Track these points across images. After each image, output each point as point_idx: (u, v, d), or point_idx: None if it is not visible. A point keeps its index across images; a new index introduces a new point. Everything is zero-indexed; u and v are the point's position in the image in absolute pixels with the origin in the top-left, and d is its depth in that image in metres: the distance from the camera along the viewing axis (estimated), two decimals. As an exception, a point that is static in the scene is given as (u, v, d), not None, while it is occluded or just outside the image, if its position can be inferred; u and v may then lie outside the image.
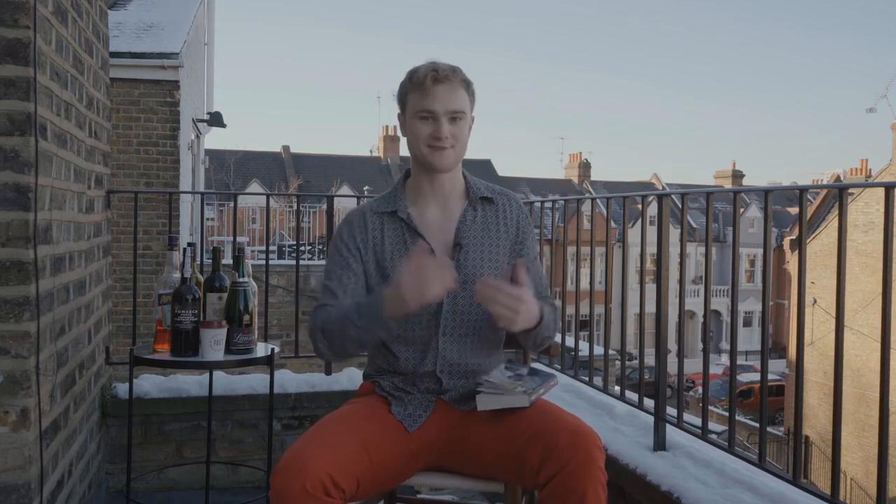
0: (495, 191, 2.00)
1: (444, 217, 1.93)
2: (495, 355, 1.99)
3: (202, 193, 3.94)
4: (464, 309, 1.89)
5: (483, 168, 35.22)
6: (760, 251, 2.72)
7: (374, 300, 1.76)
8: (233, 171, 27.22)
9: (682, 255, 2.49)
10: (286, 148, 34.95)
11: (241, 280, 2.56)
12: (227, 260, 3.04)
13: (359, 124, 79.79)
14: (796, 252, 18.46)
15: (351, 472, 1.66)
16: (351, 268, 1.89)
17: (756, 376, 24.58)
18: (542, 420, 1.72)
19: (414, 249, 1.78)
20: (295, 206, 12.46)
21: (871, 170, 33.10)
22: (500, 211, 1.96)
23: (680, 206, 2.46)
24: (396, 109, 1.94)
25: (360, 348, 1.84)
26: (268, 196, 3.81)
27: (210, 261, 2.65)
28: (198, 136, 11.15)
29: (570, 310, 3.25)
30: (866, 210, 17.80)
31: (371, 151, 37.61)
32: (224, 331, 2.49)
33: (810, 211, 25.85)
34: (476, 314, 1.89)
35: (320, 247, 13.87)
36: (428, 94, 1.82)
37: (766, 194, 2.10)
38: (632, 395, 2.85)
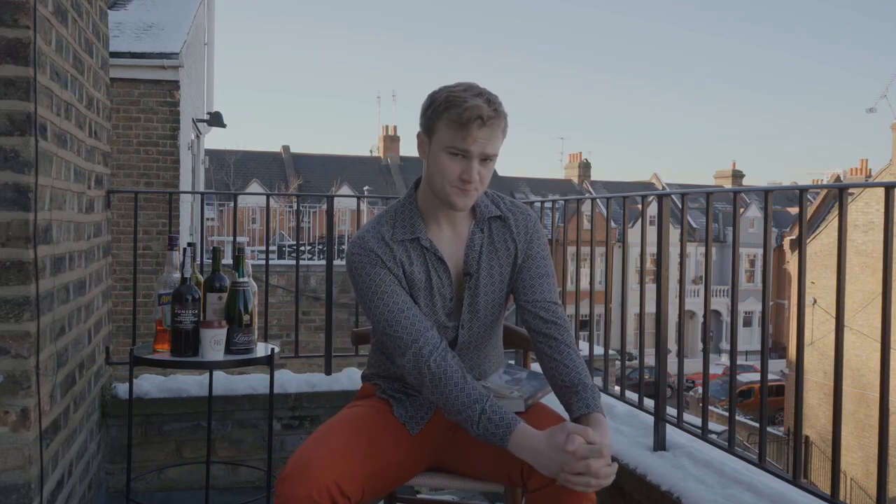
0: (505, 204, 1.90)
1: (455, 239, 1.86)
2: (498, 361, 1.99)
3: (202, 193, 3.93)
4: (477, 333, 1.87)
5: (483, 168, 35.16)
6: (760, 251, 2.72)
7: (508, 422, 1.63)
8: (233, 171, 27.22)
9: (682, 255, 2.49)
10: (286, 148, 34.97)
11: (241, 280, 2.56)
12: (227, 260, 3.04)
13: (359, 124, 79.83)
14: (796, 252, 18.45)
15: (357, 478, 1.65)
16: (404, 291, 1.78)
17: (756, 376, 24.58)
18: (536, 427, 1.67)
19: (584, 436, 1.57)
20: (295, 206, 12.46)
21: (871, 170, 33.11)
22: (510, 226, 1.87)
23: (680, 206, 2.46)
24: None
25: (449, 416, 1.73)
26: (268, 196, 3.80)
27: (210, 261, 2.65)
28: (198, 136, 11.14)
29: (570, 310, 3.25)
30: (866, 210, 17.80)
31: (371, 151, 37.66)
32: (224, 331, 2.49)
33: (810, 211, 25.84)
34: (486, 335, 1.89)
35: (320, 247, 13.86)
36: (469, 136, 1.69)
37: (766, 194, 2.10)
38: (632, 395, 2.85)
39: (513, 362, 2.09)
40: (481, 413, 1.65)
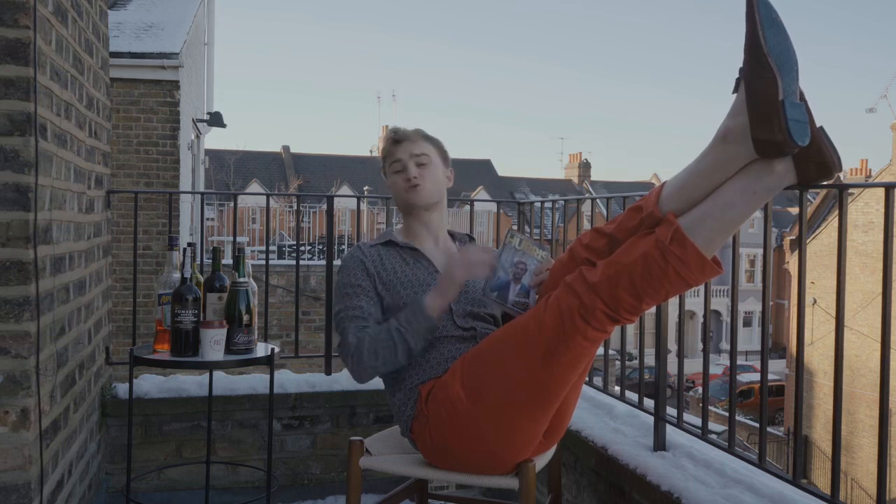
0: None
1: (438, 248, 2.19)
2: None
3: (202, 193, 3.91)
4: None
5: (483, 168, 35.18)
6: (760, 251, 2.72)
7: (415, 301, 1.96)
8: (233, 171, 27.22)
9: (682, 255, 2.48)
10: (286, 148, 34.94)
11: (241, 280, 2.56)
12: (227, 260, 3.04)
13: (359, 124, 79.72)
14: (796, 252, 18.45)
15: None
16: (367, 293, 2.06)
17: (756, 376, 24.57)
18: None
19: (462, 249, 2.07)
20: (295, 206, 12.46)
21: (871, 170, 33.07)
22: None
23: (680, 206, 2.44)
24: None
25: (407, 355, 1.95)
26: (268, 196, 3.79)
27: (210, 261, 2.65)
28: (198, 136, 11.14)
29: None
30: (866, 210, 17.80)
31: (371, 151, 37.62)
32: (224, 331, 2.49)
33: (810, 211, 25.84)
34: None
35: (320, 247, 13.88)
36: (393, 153, 2.17)
37: (766, 194, 2.08)
38: (632, 396, 2.85)
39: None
40: (398, 326, 1.92)
